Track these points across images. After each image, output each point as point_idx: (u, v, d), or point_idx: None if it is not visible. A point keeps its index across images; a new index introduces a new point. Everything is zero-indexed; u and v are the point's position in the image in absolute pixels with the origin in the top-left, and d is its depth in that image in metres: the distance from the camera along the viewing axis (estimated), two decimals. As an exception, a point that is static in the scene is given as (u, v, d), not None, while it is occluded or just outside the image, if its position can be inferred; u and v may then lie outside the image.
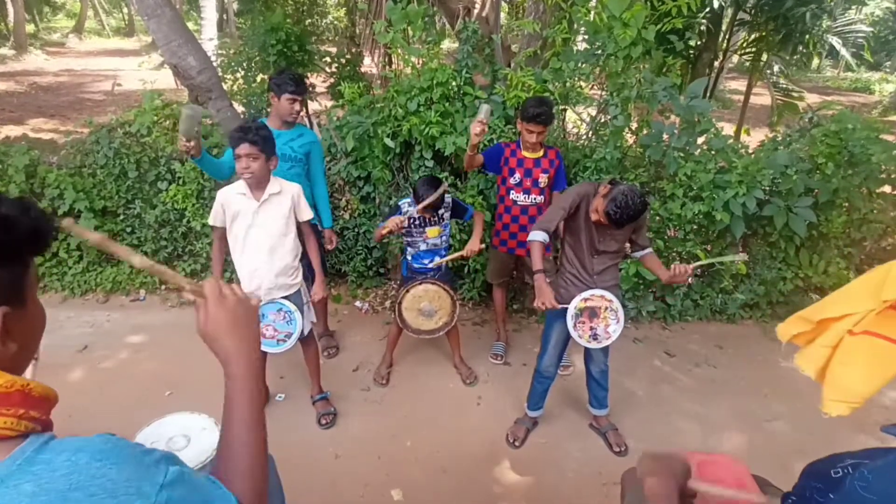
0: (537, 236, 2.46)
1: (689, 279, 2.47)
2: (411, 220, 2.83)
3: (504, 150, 3.05)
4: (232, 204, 2.46)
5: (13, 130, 7.39)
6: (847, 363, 0.77)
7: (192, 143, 2.55)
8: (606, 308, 2.49)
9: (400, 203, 2.87)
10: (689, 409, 3.14)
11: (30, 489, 0.61)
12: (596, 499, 2.49)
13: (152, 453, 0.73)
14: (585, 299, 2.48)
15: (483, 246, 2.87)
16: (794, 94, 7.42)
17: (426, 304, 2.92)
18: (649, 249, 2.60)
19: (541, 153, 3.02)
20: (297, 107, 2.93)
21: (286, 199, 2.50)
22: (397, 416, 2.98)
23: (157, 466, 0.70)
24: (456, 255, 2.90)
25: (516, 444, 2.79)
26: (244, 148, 2.32)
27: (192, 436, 1.58)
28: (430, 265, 2.95)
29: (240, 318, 0.90)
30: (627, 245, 2.61)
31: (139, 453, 0.71)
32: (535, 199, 3.06)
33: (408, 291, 2.89)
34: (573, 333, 2.50)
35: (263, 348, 2.59)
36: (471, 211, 2.98)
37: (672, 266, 2.39)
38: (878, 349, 0.74)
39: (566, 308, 2.47)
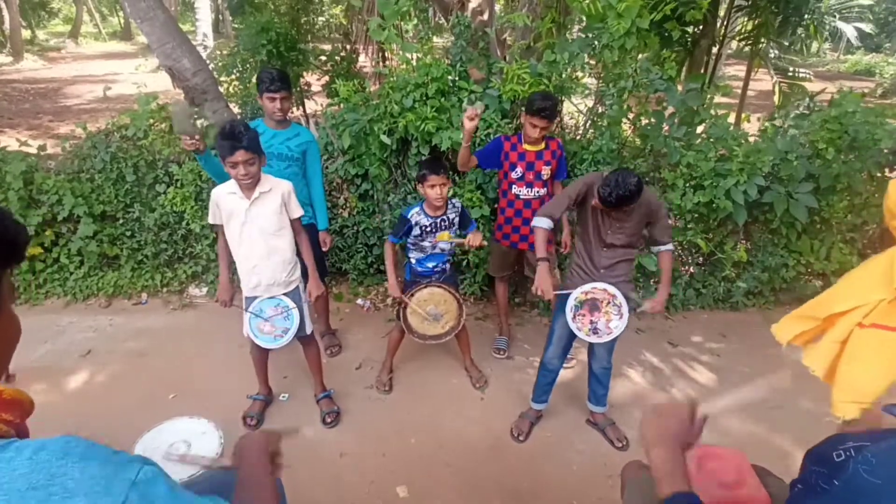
0: (541, 223, 2.43)
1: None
2: (423, 228, 2.78)
3: (504, 144, 3.03)
4: (225, 203, 2.46)
5: (10, 137, 7.39)
6: (856, 359, 0.73)
7: (197, 139, 2.57)
8: (609, 302, 2.45)
9: (407, 215, 2.77)
10: (692, 398, 3.13)
11: None
12: (601, 491, 2.49)
13: (122, 454, 0.71)
14: (586, 292, 2.45)
15: (485, 242, 2.81)
16: (800, 77, 7.35)
17: (432, 307, 2.87)
18: (668, 247, 2.53)
19: (542, 145, 3.00)
20: (278, 104, 2.85)
21: (276, 196, 2.50)
22: (401, 413, 2.98)
23: (130, 465, 0.68)
24: (460, 240, 2.82)
25: (521, 437, 2.79)
26: (241, 154, 2.29)
27: (192, 441, 1.58)
28: (451, 246, 2.88)
29: (258, 446, 1.10)
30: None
31: (107, 452, 0.70)
32: (538, 192, 3.04)
33: (412, 295, 2.83)
34: (572, 325, 2.48)
35: (261, 344, 2.60)
36: (473, 227, 2.91)
37: (656, 300, 2.50)
38: (888, 343, 0.70)
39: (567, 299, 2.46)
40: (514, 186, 3.05)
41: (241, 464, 1.08)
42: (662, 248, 2.52)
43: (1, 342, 0.80)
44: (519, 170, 3.00)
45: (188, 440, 1.57)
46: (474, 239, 2.72)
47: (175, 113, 2.57)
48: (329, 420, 2.85)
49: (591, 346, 2.69)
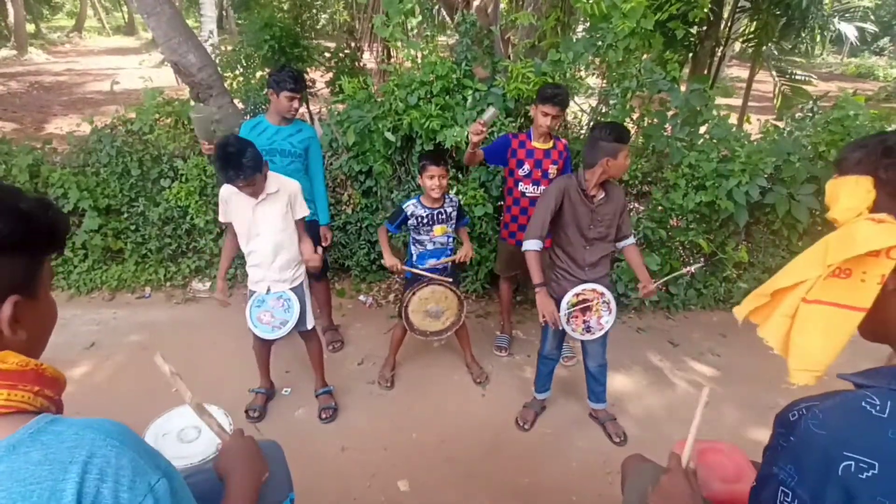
0: (532, 245, 2.44)
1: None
2: (419, 219, 2.82)
3: (511, 141, 3.03)
4: (232, 201, 2.49)
5: (15, 130, 7.43)
6: (805, 332, 0.84)
7: (214, 144, 2.58)
8: (598, 300, 2.51)
9: (403, 206, 2.83)
10: (692, 397, 3.15)
11: (37, 457, 0.64)
12: (600, 487, 2.51)
13: (152, 454, 0.75)
14: (577, 294, 2.50)
15: (472, 253, 2.93)
16: (801, 79, 7.34)
17: (433, 305, 2.89)
18: (632, 239, 2.61)
19: (550, 144, 3.02)
20: (295, 104, 2.93)
21: (283, 196, 2.51)
22: (402, 408, 3.00)
23: (155, 469, 0.72)
24: (449, 259, 2.90)
25: (526, 426, 2.83)
26: (240, 182, 2.30)
27: (202, 427, 1.60)
28: (437, 264, 2.93)
29: (248, 455, 1.12)
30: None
31: (142, 447, 0.73)
32: (543, 190, 3.05)
33: (414, 294, 2.85)
34: (567, 328, 2.53)
35: (258, 334, 2.63)
36: (466, 221, 3.02)
37: (643, 284, 2.50)
38: (829, 316, 0.81)
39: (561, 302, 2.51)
40: (520, 184, 3.05)
41: (229, 477, 1.08)
42: (627, 242, 2.60)
43: (41, 324, 0.84)
44: (527, 167, 3.01)
45: (198, 426, 1.59)
46: (464, 254, 2.86)
47: (198, 119, 2.59)
48: (325, 416, 2.86)
49: (584, 345, 2.72)
